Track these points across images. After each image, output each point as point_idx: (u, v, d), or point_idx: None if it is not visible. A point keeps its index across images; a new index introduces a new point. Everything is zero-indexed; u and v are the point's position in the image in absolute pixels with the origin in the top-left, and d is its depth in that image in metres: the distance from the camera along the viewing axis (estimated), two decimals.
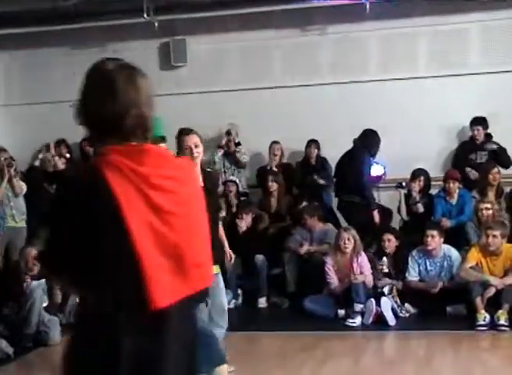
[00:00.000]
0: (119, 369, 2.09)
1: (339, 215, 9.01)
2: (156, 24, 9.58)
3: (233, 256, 5.83)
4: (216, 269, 5.35)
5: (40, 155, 9.54)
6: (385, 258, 7.69)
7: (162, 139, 4.42)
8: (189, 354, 2.24)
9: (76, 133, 11.31)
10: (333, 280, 7.62)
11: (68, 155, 9.87)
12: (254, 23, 9.82)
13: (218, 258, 5.40)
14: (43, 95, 10.22)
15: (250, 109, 9.80)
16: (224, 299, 5.46)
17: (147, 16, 9.38)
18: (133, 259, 2.06)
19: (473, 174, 8.87)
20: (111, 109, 2.13)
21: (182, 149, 4.97)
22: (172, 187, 2.15)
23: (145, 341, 2.11)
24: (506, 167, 8.88)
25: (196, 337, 2.29)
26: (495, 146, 8.95)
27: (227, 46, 10.07)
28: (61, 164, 9.35)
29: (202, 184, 5.18)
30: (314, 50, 9.91)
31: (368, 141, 8.64)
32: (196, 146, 4.95)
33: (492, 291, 7.03)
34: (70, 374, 2.19)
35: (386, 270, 7.59)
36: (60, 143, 9.93)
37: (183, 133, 5.00)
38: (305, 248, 8.20)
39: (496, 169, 8.46)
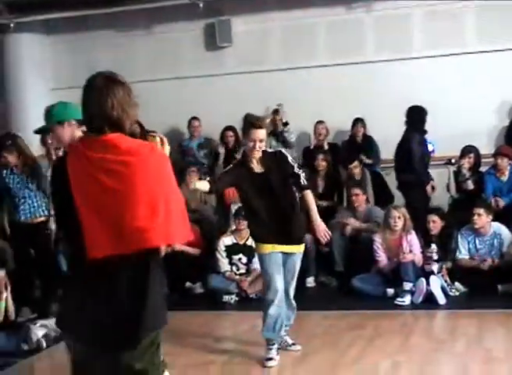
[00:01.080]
0: (75, 294, 2.90)
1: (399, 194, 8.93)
2: (201, 5, 9.57)
3: (327, 236, 5.39)
4: (289, 248, 5.35)
5: None
6: (433, 245, 7.47)
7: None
8: (135, 297, 2.84)
9: None
10: (382, 257, 7.58)
11: None
12: (298, 2, 9.76)
13: (295, 236, 5.39)
14: None
15: (296, 89, 9.76)
16: (289, 283, 5.43)
17: None
18: (77, 219, 2.79)
19: None
20: (86, 113, 2.90)
21: (247, 138, 5.16)
22: (118, 169, 2.77)
23: (92, 280, 2.84)
24: None
25: (147, 283, 2.87)
26: None
27: (271, 25, 10.07)
28: None
29: (260, 170, 5.24)
30: (359, 27, 9.83)
31: (413, 118, 8.39)
32: (261, 141, 5.13)
33: None
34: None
35: (436, 257, 7.36)
36: None
37: (253, 125, 5.12)
38: (349, 229, 8.18)
39: None
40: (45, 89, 10.61)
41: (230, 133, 9.51)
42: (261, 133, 5.14)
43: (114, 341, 2.84)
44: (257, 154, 5.20)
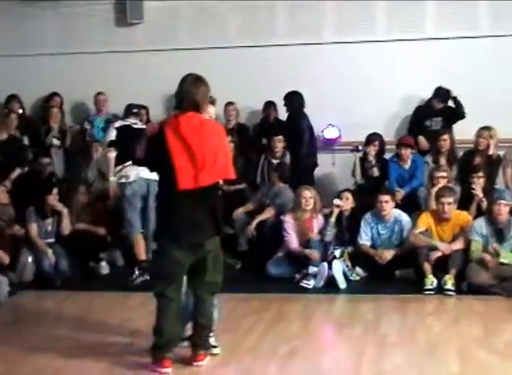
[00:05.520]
0: (173, 216, 4.69)
1: None
2: None
3: None
4: None
5: None
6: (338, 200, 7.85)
7: None
8: (212, 216, 4.74)
9: (30, 89, 10.71)
10: (292, 238, 7.70)
11: (20, 111, 9.70)
12: None
13: None
14: None
15: (207, 68, 9.60)
16: None
17: None
18: (172, 164, 4.52)
19: (423, 143, 8.97)
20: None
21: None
22: (198, 134, 4.55)
23: (184, 204, 4.62)
24: (462, 117, 8.92)
25: (216, 206, 4.79)
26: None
27: (182, 4, 9.97)
28: (14, 119, 9.24)
29: None
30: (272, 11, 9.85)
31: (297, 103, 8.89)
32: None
33: (436, 255, 7.12)
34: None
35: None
36: (12, 98, 9.75)
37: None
38: (252, 229, 8.21)
39: (444, 136, 8.54)
40: None
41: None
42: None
43: (202, 234, 4.68)
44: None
